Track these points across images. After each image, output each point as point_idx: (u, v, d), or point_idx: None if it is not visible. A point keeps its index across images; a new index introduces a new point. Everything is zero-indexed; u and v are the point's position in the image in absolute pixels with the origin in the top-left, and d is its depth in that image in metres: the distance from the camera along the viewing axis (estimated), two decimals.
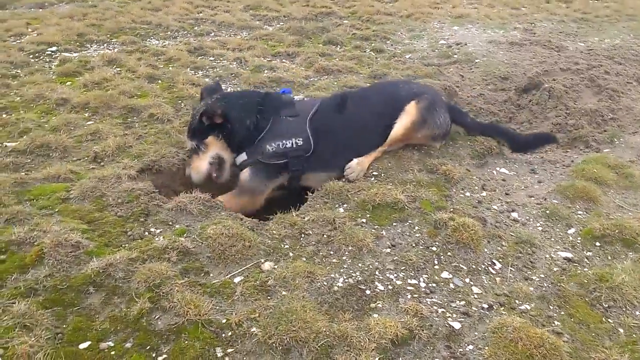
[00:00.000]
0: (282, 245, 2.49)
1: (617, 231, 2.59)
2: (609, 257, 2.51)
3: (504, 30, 6.70)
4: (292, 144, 3.00)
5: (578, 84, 4.40)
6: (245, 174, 3.04)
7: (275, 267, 2.33)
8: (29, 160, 3.22)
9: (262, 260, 2.37)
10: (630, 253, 2.53)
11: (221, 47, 5.93)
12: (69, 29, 6.19)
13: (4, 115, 3.89)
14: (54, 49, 5.61)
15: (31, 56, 5.34)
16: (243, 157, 3.06)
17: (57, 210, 2.64)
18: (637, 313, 2.18)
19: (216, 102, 3.09)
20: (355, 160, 3.10)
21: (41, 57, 5.37)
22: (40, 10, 7.47)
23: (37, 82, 4.51)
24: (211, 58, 5.57)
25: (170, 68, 5.13)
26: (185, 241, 2.40)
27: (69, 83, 4.62)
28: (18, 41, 5.84)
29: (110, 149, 3.31)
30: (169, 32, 6.58)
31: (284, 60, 5.63)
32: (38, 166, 3.15)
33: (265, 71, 5.13)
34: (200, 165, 3.07)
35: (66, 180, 2.93)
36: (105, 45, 5.94)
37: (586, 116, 3.94)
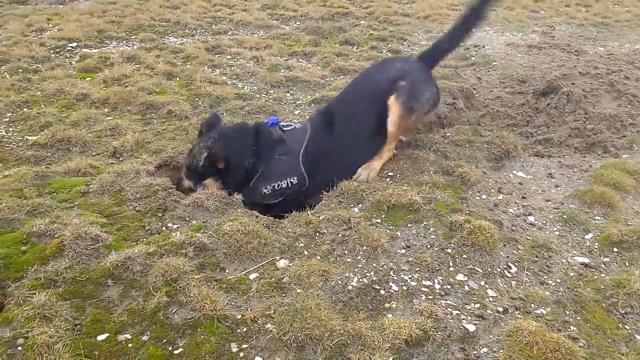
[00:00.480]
0: (297, 244, 2.50)
1: (635, 237, 2.56)
2: (627, 264, 2.48)
3: (522, 33, 6.65)
4: (287, 183, 2.99)
5: (597, 89, 4.34)
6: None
7: (290, 265, 2.34)
8: (50, 154, 3.28)
9: (278, 258, 2.39)
10: None
11: (238, 46, 5.97)
12: (89, 25, 6.27)
13: (25, 109, 3.96)
14: (74, 44, 5.70)
15: (52, 51, 5.43)
16: (240, 197, 2.98)
17: (76, 203, 2.69)
18: None
19: (217, 144, 2.99)
20: (360, 169, 3.11)
21: (62, 53, 5.46)
22: (61, 6, 7.58)
23: (57, 77, 4.58)
24: (228, 56, 5.61)
25: (188, 65, 5.18)
26: (201, 237, 2.42)
27: (89, 79, 4.68)
28: (39, 36, 5.94)
29: (129, 144, 3.35)
30: (187, 30, 6.64)
31: (300, 60, 5.65)
32: (59, 160, 3.21)
33: (282, 70, 5.16)
34: None
35: (86, 175, 2.97)
36: (124, 42, 6.01)
37: (605, 121, 3.90)
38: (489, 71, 5.18)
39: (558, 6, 8.39)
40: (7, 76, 4.63)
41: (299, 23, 7.25)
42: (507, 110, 4.32)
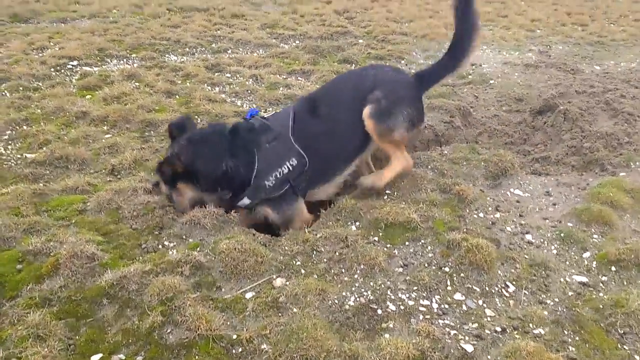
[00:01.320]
0: (294, 262, 2.49)
1: (633, 256, 2.55)
2: (625, 282, 2.47)
3: (519, 52, 6.72)
4: (288, 167, 2.89)
5: (593, 107, 4.37)
6: (271, 213, 2.95)
7: (287, 283, 2.33)
8: (48, 172, 3.29)
9: (274, 277, 2.38)
10: None
11: (238, 64, 6.03)
12: (90, 44, 6.34)
13: (24, 127, 3.98)
14: (75, 63, 5.75)
15: (53, 69, 5.48)
16: (245, 201, 2.90)
17: (73, 221, 2.68)
18: None
19: (179, 149, 2.85)
20: (369, 174, 3.13)
21: (62, 71, 5.50)
22: (63, 25, 7.67)
23: (57, 95, 4.61)
24: (228, 75, 5.65)
25: (188, 84, 5.22)
26: (198, 255, 2.41)
27: (88, 96, 4.72)
28: (40, 55, 5.99)
29: (127, 162, 3.36)
30: (187, 49, 6.71)
31: (299, 78, 5.70)
32: (57, 177, 3.22)
33: (281, 88, 5.20)
34: (182, 204, 2.88)
35: (83, 192, 2.98)
36: (125, 60, 6.07)
37: (602, 139, 3.91)
38: (486, 89, 5.22)
39: (554, 25, 8.49)
40: (7, 94, 4.67)
41: (298, 42, 7.33)
42: (504, 128, 4.34)
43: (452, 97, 4.81)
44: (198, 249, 2.50)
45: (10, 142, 3.74)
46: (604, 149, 3.80)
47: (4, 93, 4.69)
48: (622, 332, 2.15)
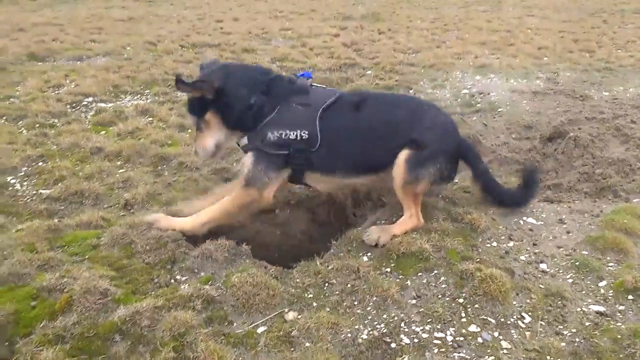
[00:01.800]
0: (306, 295, 2.48)
1: None
2: None
3: (526, 79, 6.76)
4: (297, 135, 2.79)
5: (604, 133, 4.37)
6: (247, 160, 2.88)
7: (299, 317, 2.32)
8: (63, 207, 3.34)
9: (286, 310, 2.37)
10: None
11: None
12: (104, 81, 6.51)
13: (40, 164, 4.06)
14: (90, 99, 5.89)
15: (68, 106, 5.62)
16: (244, 140, 2.89)
17: (87, 256, 2.71)
18: None
19: (213, 72, 2.86)
20: (375, 227, 2.93)
21: (78, 108, 5.64)
22: (78, 62, 7.90)
23: (73, 131, 4.72)
24: None
25: None
26: (210, 289, 2.42)
27: (103, 132, 4.82)
28: (57, 92, 6.16)
29: (140, 196, 3.41)
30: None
31: None
32: (71, 213, 3.26)
33: None
34: (205, 142, 2.92)
35: (97, 227, 3.01)
36: (138, 96, 6.21)
37: (614, 165, 3.89)
38: (494, 117, 5.24)
39: (561, 53, 8.55)
40: (25, 131, 4.79)
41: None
42: (515, 155, 4.34)
43: (461, 126, 4.83)
44: (210, 282, 2.51)
45: (26, 178, 3.82)
46: (616, 175, 3.77)
47: (21, 130, 4.82)
48: None
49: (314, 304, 2.42)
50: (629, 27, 11.12)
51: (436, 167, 2.93)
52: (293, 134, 2.81)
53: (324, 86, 3.15)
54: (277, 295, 2.42)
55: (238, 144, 3.03)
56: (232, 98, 2.82)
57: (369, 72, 7.54)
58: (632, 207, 3.28)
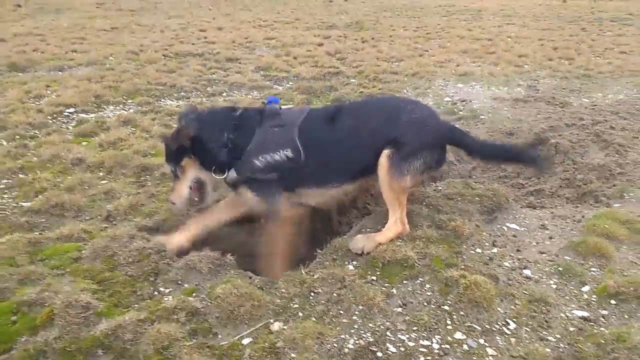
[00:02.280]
0: (292, 305, 2.47)
1: (632, 289, 2.54)
2: (626, 316, 2.45)
3: (507, 87, 6.87)
4: (281, 156, 2.88)
5: (584, 139, 4.44)
6: (248, 194, 2.98)
7: (285, 327, 2.30)
8: (44, 220, 3.28)
9: (272, 321, 2.35)
10: None
11: None
12: (86, 91, 6.44)
13: (20, 176, 3.99)
14: (71, 110, 5.82)
15: (49, 117, 5.54)
16: (232, 174, 2.96)
17: (68, 270, 2.66)
18: None
19: (187, 122, 3.00)
20: (360, 235, 2.95)
21: (59, 118, 5.57)
22: (60, 73, 7.81)
23: (54, 142, 4.65)
24: None
25: None
26: (194, 301, 2.39)
27: (85, 143, 4.76)
28: (37, 103, 6.07)
29: (122, 207, 3.37)
30: (182, 93, 6.82)
31: None
32: (52, 226, 3.21)
33: None
34: (180, 190, 3.03)
35: (79, 240, 2.97)
36: (121, 106, 6.16)
37: (594, 171, 3.96)
38: (477, 124, 5.30)
39: (541, 60, 8.71)
40: (4, 143, 4.71)
41: (291, 83, 7.47)
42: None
43: None
44: (194, 294, 2.48)
45: (6, 191, 3.75)
46: (597, 180, 3.83)
47: (0, 142, 4.74)
48: None
49: (300, 314, 2.41)
50: (606, 34, 11.37)
51: (420, 160, 2.97)
52: (277, 155, 2.89)
53: (291, 105, 3.22)
54: (262, 305, 2.40)
55: (226, 182, 3.06)
56: (206, 141, 2.96)
57: (352, 80, 7.59)
58: (613, 212, 3.34)
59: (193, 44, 10.43)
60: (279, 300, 2.48)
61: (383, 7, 17.27)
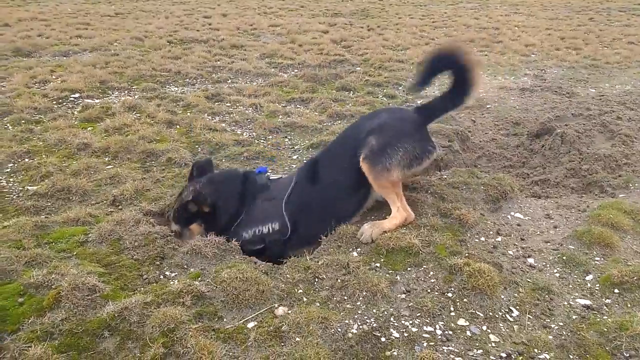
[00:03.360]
0: (296, 290, 2.48)
1: (635, 278, 2.54)
2: (629, 305, 2.45)
3: (514, 76, 6.82)
4: (269, 229, 2.99)
5: (590, 130, 4.42)
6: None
7: (289, 312, 2.32)
8: (50, 204, 3.30)
9: (276, 305, 2.37)
10: None
11: (238, 94, 6.11)
12: (91, 77, 6.44)
13: (26, 160, 4.01)
14: (77, 95, 5.83)
15: (55, 103, 5.55)
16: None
17: (75, 253, 2.68)
18: None
19: (204, 189, 3.08)
20: (367, 224, 2.96)
21: (64, 104, 5.58)
22: (65, 58, 7.80)
23: (59, 127, 4.66)
24: (228, 104, 5.73)
25: (189, 114, 5.28)
26: (199, 285, 2.41)
27: (90, 128, 4.77)
28: (42, 88, 6.08)
29: (128, 192, 3.38)
30: (187, 79, 6.81)
31: (298, 106, 5.77)
32: (58, 209, 3.23)
33: (280, 116, 5.26)
34: (188, 240, 2.97)
35: (85, 224, 2.98)
36: (126, 92, 6.16)
37: (600, 161, 3.94)
38: (483, 114, 5.27)
39: (548, 50, 8.63)
40: (10, 127, 4.72)
41: (296, 71, 7.44)
42: (503, 152, 4.37)
43: (449, 122, 4.86)
44: (199, 278, 2.50)
45: (12, 174, 3.77)
46: (603, 170, 3.82)
47: (6, 126, 4.75)
48: (628, 355, 2.12)
49: (304, 299, 2.42)
50: (614, 24, 11.24)
51: (400, 151, 2.96)
52: (265, 228, 3.01)
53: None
54: (267, 290, 2.42)
55: None
56: (222, 210, 3.08)
57: (358, 68, 7.55)
58: (618, 202, 3.33)
59: (198, 30, 10.39)
60: (283, 286, 2.49)
61: None
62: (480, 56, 7.98)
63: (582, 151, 4.08)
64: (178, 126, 4.87)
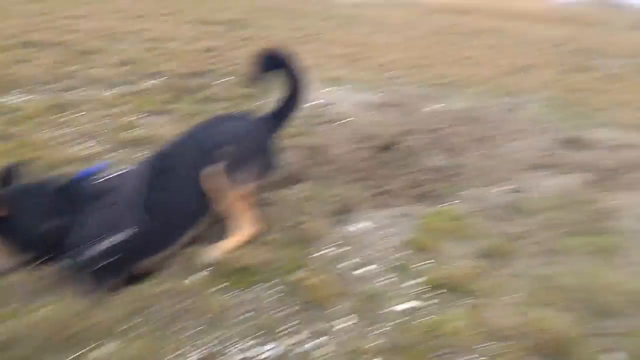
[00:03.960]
0: (127, 323, 2.34)
1: (449, 280, 2.85)
2: (448, 305, 2.72)
3: (371, 92, 7.26)
4: (118, 237, 2.60)
5: (429, 144, 4.87)
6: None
7: (116, 350, 2.18)
8: None
9: (99, 343, 2.21)
10: (461, 300, 2.75)
11: (90, 103, 5.69)
12: None
13: None
14: None
15: None
16: (68, 262, 2.59)
17: None
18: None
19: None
20: (211, 245, 2.89)
21: None
22: None
23: None
24: (77, 114, 5.31)
25: (27, 126, 4.79)
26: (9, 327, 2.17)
27: None
28: None
29: None
30: (32, 86, 6.19)
31: (156, 118, 5.54)
32: None
33: (134, 129, 5.00)
34: None
35: None
36: None
37: (436, 172, 4.36)
38: (339, 128, 5.53)
39: (404, 68, 9.34)
40: None
41: (159, 79, 7.15)
42: (354, 164, 4.61)
43: (306, 136, 5.02)
44: (9, 320, 2.25)
45: None
46: (437, 181, 4.23)
47: None
48: (441, 353, 2.36)
49: (136, 332, 2.31)
50: (463, 47, 12.49)
51: (257, 161, 3.06)
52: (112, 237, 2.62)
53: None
54: (92, 327, 2.25)
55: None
56: (21, 223, 2.55)
57: (226, 79, 7.48)
58: (446, 209, 3.71)
59: (53, 30, 9.52)
60: (112, 321, 2.33)
61: (263, 7, 17.26)
62: (342, 72, 8.38)
63: (421, 163, 4.47)
64: (9, 141, 4.39)
